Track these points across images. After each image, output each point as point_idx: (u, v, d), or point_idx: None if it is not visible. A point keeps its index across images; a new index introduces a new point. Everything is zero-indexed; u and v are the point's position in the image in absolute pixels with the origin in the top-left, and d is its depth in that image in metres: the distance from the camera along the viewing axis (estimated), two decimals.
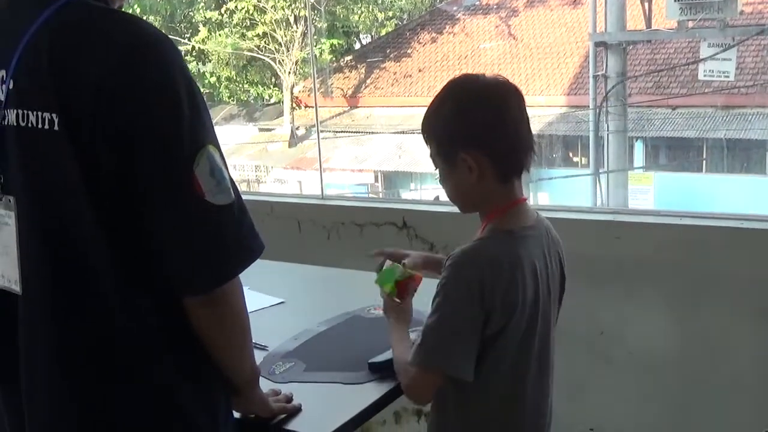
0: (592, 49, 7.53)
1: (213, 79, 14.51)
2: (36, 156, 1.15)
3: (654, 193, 10.92)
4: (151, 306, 1.19)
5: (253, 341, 1.34)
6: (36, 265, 1.18)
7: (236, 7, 13.54)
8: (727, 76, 6.90)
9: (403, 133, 11.84)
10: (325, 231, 3.14)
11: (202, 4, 14.26)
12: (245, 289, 1.23)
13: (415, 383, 1.52)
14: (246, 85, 14.99)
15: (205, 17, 14.16)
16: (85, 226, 1.14)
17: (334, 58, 14.20)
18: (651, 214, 3.63)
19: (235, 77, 14.68)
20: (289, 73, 13.84)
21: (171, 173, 1.13)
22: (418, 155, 10.58)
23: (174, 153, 1.13)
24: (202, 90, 1.22)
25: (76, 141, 1.11)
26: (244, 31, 13.80)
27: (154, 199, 1.13)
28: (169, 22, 14.25)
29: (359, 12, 14.44)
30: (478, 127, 1.48)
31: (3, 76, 1.17)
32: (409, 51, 13.93)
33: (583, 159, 11.16)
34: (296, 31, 13.57)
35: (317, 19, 13.31)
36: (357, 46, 15.68)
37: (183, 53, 3.23)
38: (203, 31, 14.14)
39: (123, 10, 1.26)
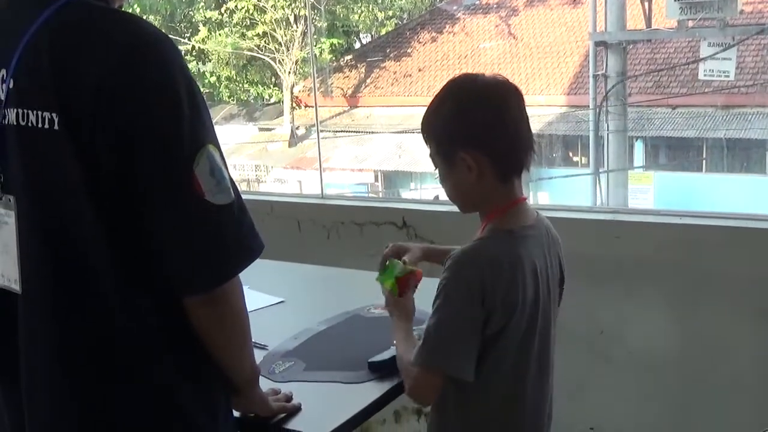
0: (592, 48, 7.52)
1: (213, 79, 14.47)
2: (36, 155, 1.16)
3: (654, 192, 10.89)
4: (151, 306, 1.19)
5: (253, 340, 1.34)
6: (36, 265, 1.19)
7: (236, 6, 13.51)
8: (727, 76, 6.89)
9: (403, 132, 11.81)
10: (325, 230, 3.15)
11: (202, 3, 14.24)
12: (245, 288, 1.24)
13: (417, 383, 1.52)
14: (246, 85, 14.96)
15: (205, 17, 14.13)
16: (85, 226, 1.14)
17: (334, 58, 14.17)
18: (651, 213, 3.64)
19: (235, 77, 14.65)
20: (289, 72, 13.81)
21: (171, 173, 1.13)
22: (418, 155, 10.56)
23: (174, 153, 1.13)
24: (202, 89, 1.23)
25: (76, 140, 1.11)
26: (244, 30, 13.77)
27: (154, 199, 1.14)
28: (169, 21, 14.22)
29: (359, 11, 14.41)
30: (478, 126, 1.48)
31: (3, 76, 1.17)
32: (409, 50, 13.90)
33: (583, 158, 11.14)
34: (296, 31, 13.55)
35: (317, 18, 13.28)
36: (357, 45, 15.64)
37: (183, 53, 3.22)
38: (203, 31, 14.11)
39: (123, 9, 1.26)
